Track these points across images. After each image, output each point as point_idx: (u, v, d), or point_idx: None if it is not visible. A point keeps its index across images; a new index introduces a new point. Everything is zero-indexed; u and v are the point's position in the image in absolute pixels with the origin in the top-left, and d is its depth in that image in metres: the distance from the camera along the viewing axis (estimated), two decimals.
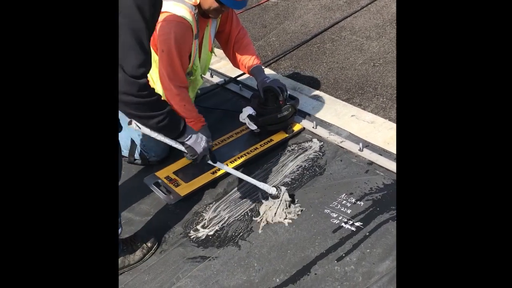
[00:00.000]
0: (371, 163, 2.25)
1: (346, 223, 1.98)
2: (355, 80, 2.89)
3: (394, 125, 2.44)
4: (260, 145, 2.43)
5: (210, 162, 1.97)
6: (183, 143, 1.84)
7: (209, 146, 1.92)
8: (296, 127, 2.53)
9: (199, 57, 2.33)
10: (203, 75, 2.40)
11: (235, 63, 2.51)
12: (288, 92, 2.49)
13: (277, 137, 2.47)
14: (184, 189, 2.24)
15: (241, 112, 2.50)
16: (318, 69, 3.06)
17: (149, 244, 1.99)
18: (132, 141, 2.37)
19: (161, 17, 2.10)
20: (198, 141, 1.85)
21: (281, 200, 2.02)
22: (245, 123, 2.50)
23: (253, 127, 2.45)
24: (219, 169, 2.27)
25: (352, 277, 1.76)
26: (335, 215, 2.02)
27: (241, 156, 2.37)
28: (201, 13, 2.19)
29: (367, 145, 2.35)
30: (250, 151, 2.40)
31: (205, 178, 2.28)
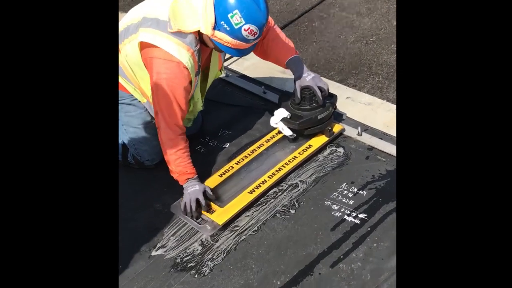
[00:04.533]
0: (371, 148, 2.10)
1: (349, 215, 1.82)
2: (347, 59, 2.72)
3: (393, 106, 2.28)
4: (299, 153, 2.08)
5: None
6: None
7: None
8: (336, 128, 2.18)
9: (203, 85, 2.09)
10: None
11: (267, 59, 2.18)
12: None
13: (317, 142, 2.12)
14: (222, 215, 1.88)
15: (270, 114, 2.18)
16: (307, 50, 2.88)
17: None
18: (124, 144, 2.16)
19: (153, 53, 1.81)
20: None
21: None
22: (276, 128, 2.15)
23: (288, 132, 2.11)
24: (257, 187, 1.96)
25: (360, 275, 1.62)
26: (336, 207, 1.87)
27: (280, 169, 2.02)
28: (203, 42, 1.88)
29: (366, 128, 2.19)
30: (289, 161, 2.05)
31: (244, 199, 1.93)
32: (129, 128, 2.09)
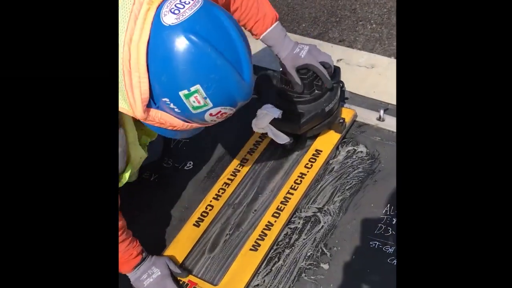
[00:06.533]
0: None
1: None
2: (318, 2, 2.00)
3: None
4: (306, 167, 1.40)
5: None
6: None
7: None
8: (347, 114, 1.50)
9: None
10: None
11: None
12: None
13: (327, 143, 1.45)
14: None
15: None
16: None
17: None
18: None
19: None
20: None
21: None
22: (262, 132, 1.44)
23: (282, 139, 1.40)
24: (261, 237, 1.27)
25: None
26: (391, 249, 1.24)
27: (286, 199, 1.34)
28: None
29: (387, 108, 1.54)
30: (295, 182, 1.37)
31: (246, 264, 1.24)
32: None
